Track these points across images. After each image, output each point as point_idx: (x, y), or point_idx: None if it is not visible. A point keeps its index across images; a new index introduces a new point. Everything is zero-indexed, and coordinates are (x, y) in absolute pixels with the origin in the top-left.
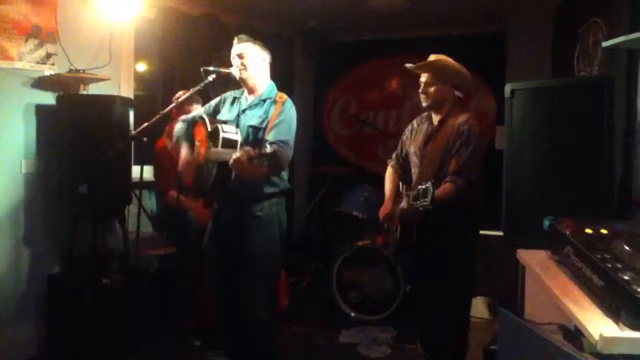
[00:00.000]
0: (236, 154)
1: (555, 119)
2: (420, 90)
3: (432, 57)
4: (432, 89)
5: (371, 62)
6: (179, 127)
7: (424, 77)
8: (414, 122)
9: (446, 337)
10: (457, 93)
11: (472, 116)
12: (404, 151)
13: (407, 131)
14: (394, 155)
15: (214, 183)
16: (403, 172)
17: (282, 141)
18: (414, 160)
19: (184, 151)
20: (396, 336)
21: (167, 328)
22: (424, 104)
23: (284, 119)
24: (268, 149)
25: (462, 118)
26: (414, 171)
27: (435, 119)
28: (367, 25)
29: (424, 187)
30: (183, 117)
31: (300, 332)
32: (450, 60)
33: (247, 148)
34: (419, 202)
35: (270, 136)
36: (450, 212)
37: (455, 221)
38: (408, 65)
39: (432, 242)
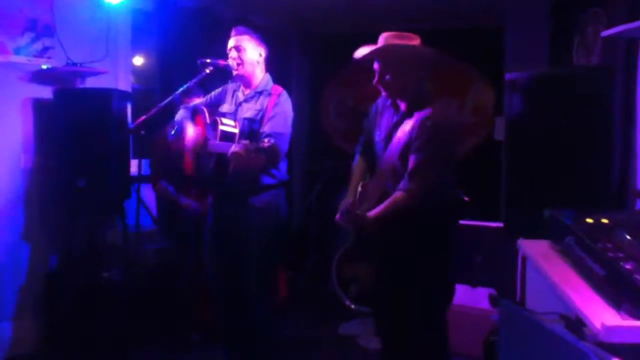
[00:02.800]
0: (234, 148)
1: (554, 110)
2: (375, 81)
3: (381, 40)
4: (387, 77)
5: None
6: (180, 113)
7: (376, 66)
8: (378, 105)
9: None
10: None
11: (440, 109)
12: (367, 139)
13: (370, 114)
14: (360, 141)
15: (212, 175)
16: (370, 161)
17: (278, 134)
18: (377, 151)
19: (190, 129)
20: None
21: (167, 322)
22: (385, 94)
23: (279, 112)
24: (265, 142)
25: (427, 111)
26: (377, 163)
27: (401, 106)
28: (364, 18)
29: (349, 208)
30: (184, 105)
31: (301, 325)
32: (400, 43)
33: (245, 141)
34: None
35: (266, 129)
36: (409, 217)
37: (416, 226)
38: (357, 55)
39: (395, 244)
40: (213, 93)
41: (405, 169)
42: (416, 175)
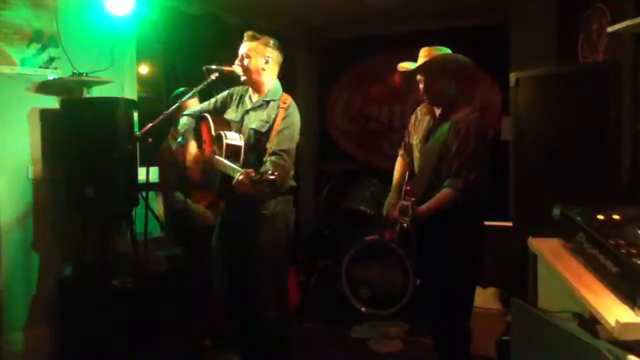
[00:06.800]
0: (239, 176)
1: (562, 107)
2: (422, 91)
3: (423, 53)
4: (433, 89)
5: (373, 57)
6: (184, 121)
7: (421, 77)
8: (418, 112)
9: (450, 328)
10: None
11: (471, 111)
12: (408, 141)
13: (411, 120)
14: (402, 144)
15: (220, 182)
16: (410, 161)
17: (284, 150)
18: (415, 152)
19: (192, 146)
20: (408, 330)
21: (179, 328)
22: (427, 102)
23: (287, 126)
24: (269, 175)
25: (461, 114)
26: (415, 164)
27: (437, 112)
28: (368, 20)
29: (405, 204)
30: (187, 111)
31: (312, 329)
32: (441, 53)
33: (250, 170)
34: (401, 218)
35: (273, 145)
36: (452, 211)
37: (457, 218)
38: (401, 66)
39: (435, 238)
40: (219, 97)
41: (444, 166)
42: (460, 174)
